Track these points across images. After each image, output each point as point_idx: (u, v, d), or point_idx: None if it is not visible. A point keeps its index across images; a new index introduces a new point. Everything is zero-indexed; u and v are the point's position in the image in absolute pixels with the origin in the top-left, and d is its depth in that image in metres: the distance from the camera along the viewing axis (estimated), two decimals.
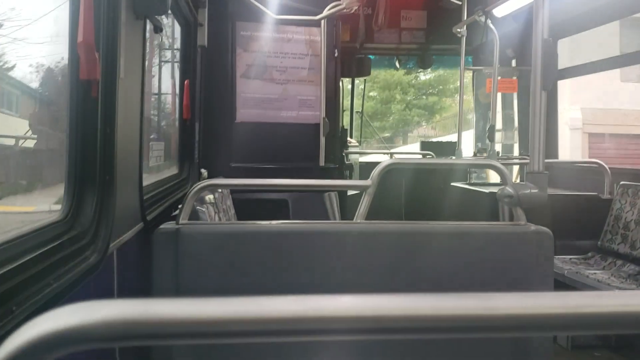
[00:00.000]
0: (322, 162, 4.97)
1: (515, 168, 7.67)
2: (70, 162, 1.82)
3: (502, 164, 2.81)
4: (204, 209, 2.74)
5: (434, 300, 0.65)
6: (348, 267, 2.29)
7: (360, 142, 9.82)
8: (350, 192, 5.93)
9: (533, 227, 2.34)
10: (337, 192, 5.24)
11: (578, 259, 5.05)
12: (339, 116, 5.80)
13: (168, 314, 0.63)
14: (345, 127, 7.80)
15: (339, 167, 5.50)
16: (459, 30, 6.19)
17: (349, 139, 8.09)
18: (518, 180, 7.09)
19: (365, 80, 9.74)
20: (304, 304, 0.64)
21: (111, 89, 1.88)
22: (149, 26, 2.46)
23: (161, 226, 2.28)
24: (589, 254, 5.09)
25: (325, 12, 4.90)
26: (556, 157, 6.63)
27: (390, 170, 2.65)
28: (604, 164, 5.42)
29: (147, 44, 2.43)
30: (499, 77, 6.35)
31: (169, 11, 2.71)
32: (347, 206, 5.72)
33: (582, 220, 5.25)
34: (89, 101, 1.82)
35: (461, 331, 0.66)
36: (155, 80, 4.08)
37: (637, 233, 4.64)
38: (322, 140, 4.98)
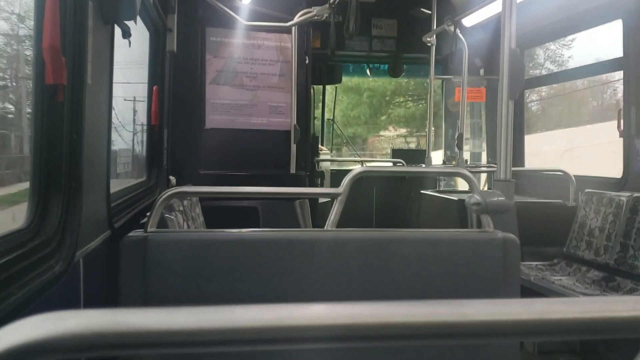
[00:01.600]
0: (292, 170, 4.97)
1: (484, 176, 7.79)
2: (35, 168, 1.78)
3: (470, 172, 2.84)
4: (172, 217, 2.71)
5: (404, 308, 0.65)
6: (319, 274, 2.29)
7: (331, 150, 9.85)
8: (321, 200, 5.95)
9: (500, 234, 2.38)
10: (309, 200, 5.24)
11: (544, 265, 5.14)
12: (310, 123, 5.81)
13: (136, 324, 0.62)
14: (317, 135, 7.82)
15: (310, 174, 5.51)
16: (428, 39, 6.27)
17: (320, 146, 8.11)
18: (486, 188, 7.20)
19: (336, 87, 9.78)
20: (275, 313, 0.64)
21: (78, 94, 1.86)
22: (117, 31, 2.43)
23: (129, 234, 2.24)
24: (555, 260, 5.19)
25: (296, 19, 4.91)
26: (523, 165, 6.75)
27: (362, 178, 2.66)
28: (569, 172, 5.54)
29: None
30: (468, 86, 6.44)
31: (138, 16, 2.68)
32: (318, 214, 5.72)
33: (548, 227, 5.34)
34: (55, 106, 1.79)
35: (431, 338, 0.67)
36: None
37: (601, 240, 4.75)
38: (293, 147, 4.97)
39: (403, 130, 26.05)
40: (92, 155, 2.07)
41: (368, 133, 26.72)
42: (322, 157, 7.95)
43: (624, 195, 4.64)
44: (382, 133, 26.88)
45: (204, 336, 0.62)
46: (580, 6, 5.32)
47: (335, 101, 10.14)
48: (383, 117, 25.39)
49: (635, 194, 4.54)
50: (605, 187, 5.08)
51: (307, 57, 5.29)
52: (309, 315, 0.65)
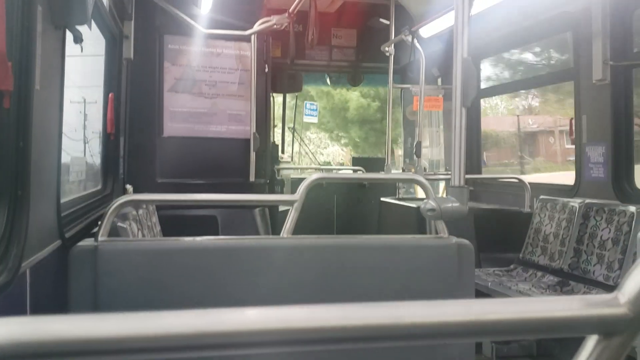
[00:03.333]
0: (252, 178, 4.95)
1: (442, 184, 7.90)
2: None
3: (427, 179, 2.88)
4: (125, 226, 2.65)
5: (339, 311, 0.65)
6: (275, 281, 2.27)
7: (292, 158, 9.85)
8: (282, 208, 5.93)
9: (455, 239, 2.41)
10: (269, 208, 5.22)
11: (501, 271, 5.22)
12: (269, 131, 5.80)
13: (58, 332, 0.59)
14: (277, 143, 7.82)
15: (270, 182, 5.50)
16: (387, 49, 6.34)
17: (280, 154, 8.10)
18: (444, 196, 7.28)
19: (297, 96, 9.81)
20: (205, 318, 0.62)
21: (25, 100, 1.80)
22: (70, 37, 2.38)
23: (79, 243, 2.18)
24: (512, 266, 5.28)
25: (256, 28, 4.91)
26: (480, 173, 6.87)
27: (323, 186, 2.68)
28: (524, 179, 5.66)
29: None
30: (426, 96, 6.53)
31: (92, 22, 2.63)
32: (278, 222, 5.70)
33: (505, 234, 5.45)
34: (1, 113, 1.74)
35: (369, 341, 0.66)
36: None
37: (555, 245, 4.86)
38: (252, 155, 4.95)
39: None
40: (41, 163, 2.01)
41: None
42: (282, 165, 7.95)
43: (576, 202, 4.77)
44: None
45: (131, 343, 0.60)
46: (533, 18, 5.47)
47: (296, 110, 10.17)
48: None
49: (587, 200, 4.67)
50: (559, 193, 5.21)
51: (266, 66, 5.28)
52: (240, 320, 0.63)
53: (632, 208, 4.22)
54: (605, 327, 0.66)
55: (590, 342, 0.68)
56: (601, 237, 4.41)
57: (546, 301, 0.71)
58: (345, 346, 0.65)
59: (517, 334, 0.70)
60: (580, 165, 4.97)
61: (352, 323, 0.64)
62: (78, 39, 2.36)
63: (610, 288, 4.19)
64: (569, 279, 4.63)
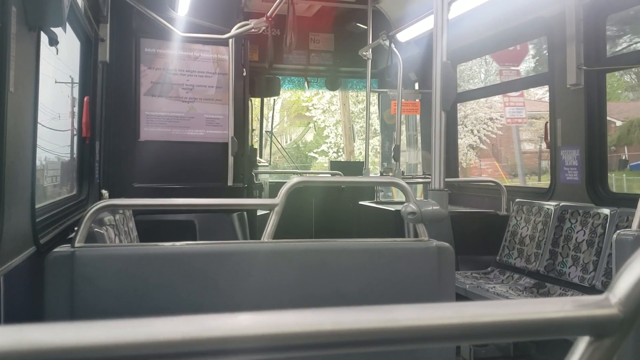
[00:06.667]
0: (230, 182, 4.91)
1: (420, 187, 7.95)
2: None
3: (406, 182, 2.88)
4: (102, 231, 2.60)
5: (332, 315, 0.63)
6: (256, 287, 2.25)
7: (270, 162, 9.82)
8: (260, 212, 5.90)
9: (435, 242, 2.41)
10: (247, 213, 5.19)
11: (479, 273, 5.26)
12: (247, 135, 5.77)
13: (39, 341, 0.56)
14: (255, 147, 7.79)
15: (248, 186, 5.47)
16: (364, 53, 6.37)
17: (258, 158, 8.08)
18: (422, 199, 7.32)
19: (274, 100, 9.80)
20: (196, 324, 0.60)
21: None
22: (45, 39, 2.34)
23: (55, 249, 2.13)
24: (489, 269, 5.33)
25: (233, 32, 4.88)
26: (457, 176, 6.93)
27: (301, 190, 2.65)
28: (500, 182, 5.72)
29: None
30: (403, 100, 6.57)
31: (67, 24, 2.59)
32: (257, 227, 5.67)
33: (482, 236, 5.49)
34: None
35: (362, 345, 0.65)
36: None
37: (531, 248, 4.91)
38: (231, 159, 4.92)
39: None
40: (15, 168, 1.97)
41: None
42: (260, 169, 7.91)
43: (551, 205, 4.83)
44: None
45: (117, 351, 0.57)
46: (509, 23, 5.54)
47: (274, 113, 10.16)
48: None
49: (562, 203, 4.73)
50: (535, 196, 5.27)
51: (244, 70, 5.26)
52: (232, 325, 0.61)
53: (605, 210, 4.29)
54: (597, 328, 0.66)
55: (582, 344, 0.67)
56: (576, 239, 4.47)
57: (539, 303, 0.71)
58: (340, 351, 0.64)
59: (511, 336, 0.70)
60: (555, 169, 5.04)
61: (346, 327, 0.63)
62: (53, 41, 2.32)
63: (586, 289, 4.25)
64: (545, 281, 4.68)
